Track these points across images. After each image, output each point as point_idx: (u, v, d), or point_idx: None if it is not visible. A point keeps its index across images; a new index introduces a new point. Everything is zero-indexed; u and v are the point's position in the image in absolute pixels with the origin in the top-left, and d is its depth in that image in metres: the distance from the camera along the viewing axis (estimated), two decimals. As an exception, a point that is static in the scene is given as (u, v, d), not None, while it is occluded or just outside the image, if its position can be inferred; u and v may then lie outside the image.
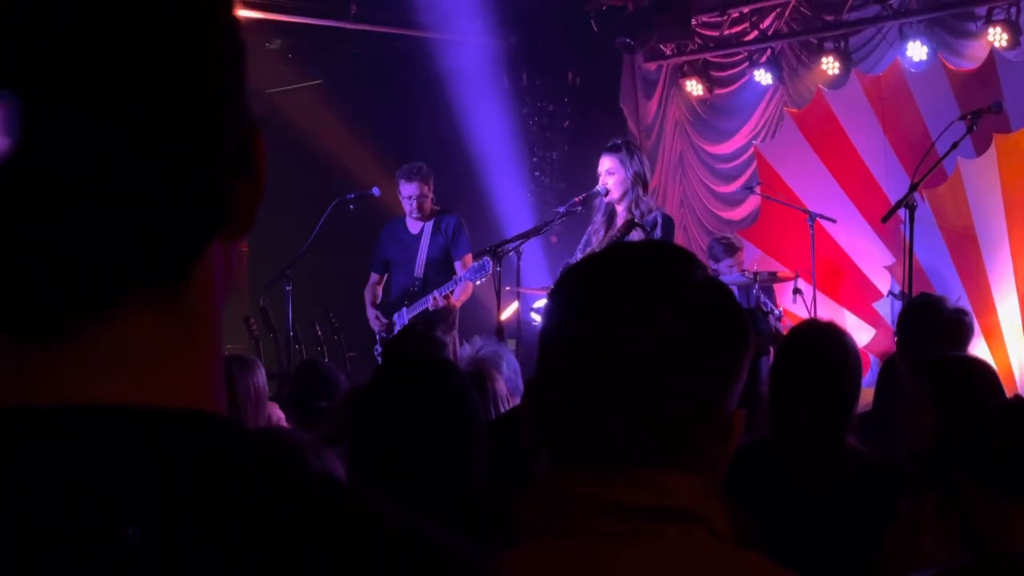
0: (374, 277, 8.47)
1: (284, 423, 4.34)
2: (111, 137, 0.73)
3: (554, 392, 1.43)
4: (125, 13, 0.74)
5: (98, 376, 0.75)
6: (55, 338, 0.74)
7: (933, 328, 4.70)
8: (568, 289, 1.47)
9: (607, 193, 6.99)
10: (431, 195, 8.26)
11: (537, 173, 12.12)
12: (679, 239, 10.28)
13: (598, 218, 7.16)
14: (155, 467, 0.72)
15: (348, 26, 11.18)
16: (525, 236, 7.35)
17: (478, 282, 7.93)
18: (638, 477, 1.37)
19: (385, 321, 8.20)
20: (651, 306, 1.38)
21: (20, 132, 0.71)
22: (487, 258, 7.57)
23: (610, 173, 6.96)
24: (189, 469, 0.73)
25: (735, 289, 8.70)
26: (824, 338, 3.55)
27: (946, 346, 4.41)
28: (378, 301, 8.38)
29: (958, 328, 4.79)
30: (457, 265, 8.14)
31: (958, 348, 4.56)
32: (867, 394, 4.87)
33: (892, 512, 3.27)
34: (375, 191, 8.50)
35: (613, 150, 7.03)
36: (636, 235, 6.81)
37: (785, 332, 8.25)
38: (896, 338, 5.07)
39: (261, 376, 4.14)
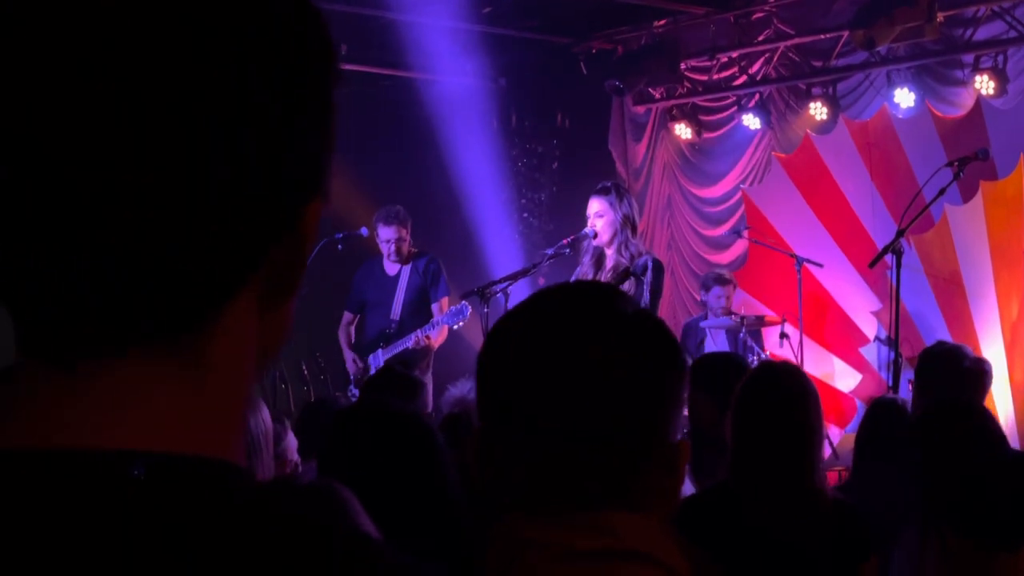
0: (347, 316, 8.47)
1: (295, 454, 4.31)
2: (139, 192, 0.72)
3: (496, 438, 1.42)
4: (171, 65, 0.73)
5: (101, 416, 0.74)
6: (65, 370, 0.74)
7: (952, 375, 4.70)
8: (501, 334, 1.46)
9: (595, 236, 7.00)
10: (409, 238, 8.28)
11: (525, 214, 12.14)
12: (666, 282, 10.30)
13: (586, 260, 7.15)
14: (145, 513, 0.71)
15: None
16: (513, 278, 7.34)
17: (455, 326, 7.93)
18: (588, 520, 1.36)
19: (361, 365, 8.19)
20: (586, 344, 1.38)
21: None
22: (465, 303, 7.59)
23: (599, 216, 6.97)
24: (183, 514, 0.72)
25: (722, 332, 8.81)
26: (781, 376, 3.55)
27: (964, 394, 4.41)
28: (352, 342, 8.38)
29: (978, 376, 4.81)
30: (434, 307, 8.15)
31: (977, 397, 4.57)
32: (848, 440, 4.86)
33: (864, 552, 3.26)
34: (363, 231, 8.51)
35: (602, 192, 7.04)
36: (629, 283, 6.81)
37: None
38: (913, 384, 5.07)
39: (266, 415, 4.12)
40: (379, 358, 8.07)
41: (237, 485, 0.76)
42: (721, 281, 9.19)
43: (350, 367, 8.26)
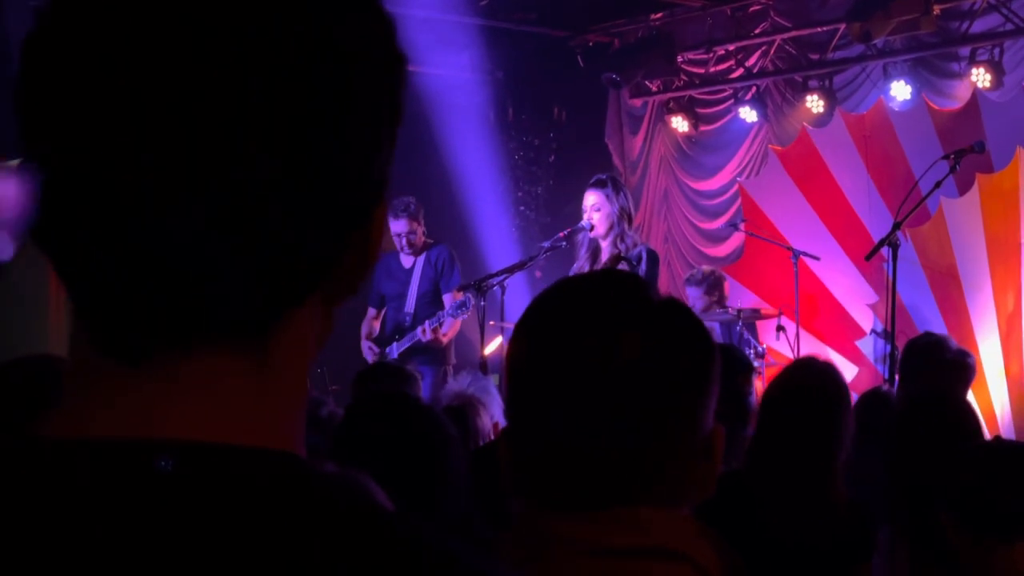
0: (371, 312, 8.47)
1: None
2: (223, 196, 0.73)
3: (527, 433, 1.41)
4: (269, 72, 0.74)
5: (166, 408, 0.76)
6: (135, 363, 0.76)
7: (935, 367, 4.72)
8: (529, 328, 1.45)
9: (592, 228, 7.00)
10: (422, 229, 8.26)
11: (522, 207, 12.13)
12: (663, 274, 10.31)
13: (582, 253, 7.16)
14: (215, 504, 0.72)
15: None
16: (509, 271, 7.35)
17: (462, 318, 7.93)
18: (618, 515, 1.35)
19: (378, 350, 8.20)
20: (617, 335, 1.37)
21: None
22: (468, 294, 7.58)
23: (596, 209, 6.97)
24: (255, 505, 0.73)
25: (717, 326, 8.81)
26: (817, 377, 3.52)
27: (947, 386, 4.42)
28: (374, 335, 8.38)
29: (961, 369, 4.82)
30: (447, 298, 8.14)
31: (959, 389, 4.58)
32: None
33: (867, 552, 3.26)
34: (360, 224, 8.50)
35: (599, 185, 7.04)
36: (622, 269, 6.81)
37: (767, 369, 8.31)
38: (898, 376, 5.08)
39: None
40: (394, 351, 8.08)
41: (305, 475, 0.77)
42: (693, 281, 9.08)
43: (367, 355, 8.26)
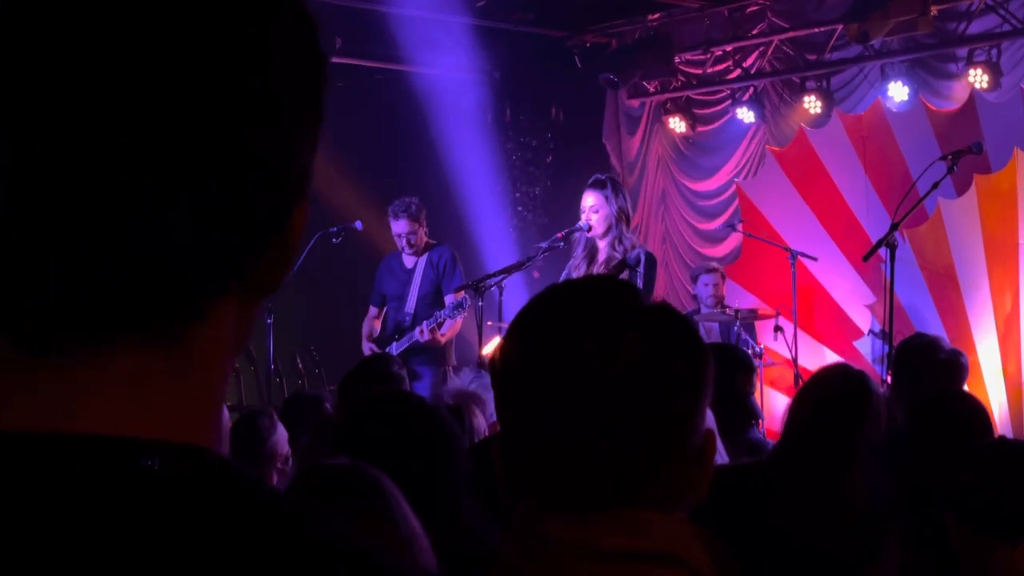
0: (372, 311, 8.47)
1: (286, 446, 4.32)
2: (138, 190, 0.74)
3: (522, 434, 1.41)
4: (174, 68, 0.75)
5: (78, 402, 0.76)
6: (53, 356, 0.76)
7: (929, 368, 4.73)
8: (524, 330, 1.45)
9: (590, 229, 7.00)
10: (423, 230, 8.25)
11: (520, 208, 12.13)
12: (661, 276, 10.30)
13: (578, 253, 7.16)
14: (120, 497, 0.73)
15: (333, 60, 11.18)
16: (507, 271, 7.36)
17: (460, 318, 7.93)
18: (616, 517, 1.35)
19: (378, 351, 8.19)
20: (616, 338, 1.37)
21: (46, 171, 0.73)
22: (465, 295, 7.59)
23: (594, 210, 6.97)
24: (160, 499, 0.73)
25: (715, 326, 8.82)
26: (848, 385, 3.47)
27: (941, 386, 4.43)
28: (375, 335, 8.37)
29: (954, 369, 4.83)
30: (448, 299, 8.14)
31: (953, 388, 4.59)
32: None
33: (876, 553, 3.26)
34: (358, 224, 8.50)
35: (597, 186, 7.04)
36: (624, 275, 6.82)
37: (764, 369, 8.31)
38: (891, 376, 5.09)
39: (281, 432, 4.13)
40: (393, 351, 8.07)
41: (215, 470, 0.77)
42: (709, 269, 9.25)
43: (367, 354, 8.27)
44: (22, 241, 0.74)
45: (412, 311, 8.17)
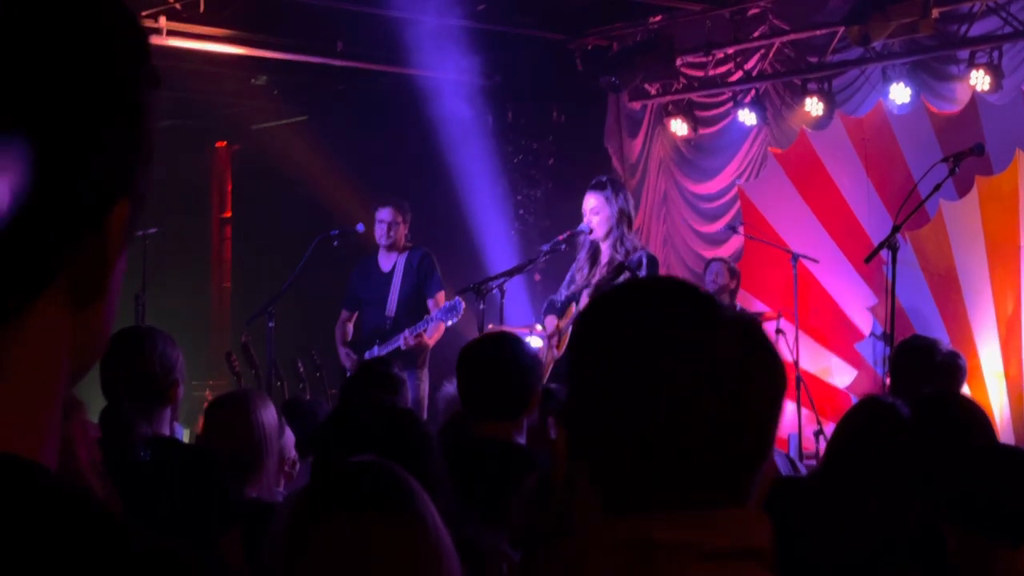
0: (344, 314, 8.46)
1: (292, 450, 4.31)
2: None
3: (622, 435, 1.39)
4: None
5: None
6: None
7: (926, 370, 4.73)
8: (621, 325, 1.43)
9: (591, 231, 7.01)
10: (405, 229, 8.26)
11: (521, 211, 12.13)
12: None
13: (582, 256, 7.17)
14: None
15: (334, 63, 11.21)
16: (509, 274, 7.36)
17: (449, 322, 7.92)
18: (717, 519, 1.35)
19: (355, 357, 8.18)
20: (728, 348, 1.37)
21: None
22: (459, 298, 7.59)
23: (595, 212, 6.97)
24: None
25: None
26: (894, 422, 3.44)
27: (939, 388, 4.42)
28: (349, 339, 8.37)
29: (952, 371, 4.83)
30: (430, 303, 8.13)
31: (950, 390, 4.58)
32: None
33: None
34: (359, 228, 8.51)
35: (598, 188, 7.04)
36: (624, 278, 6.82)
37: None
38: (888, 379, 5.09)
39: (272, 412, 4.11)
40: (374, 355, 8.06)
41: (26, 480, 0.75)
42: (719, 260, 9.32)
43: (345, 362, 8.26)
44: None
45: (392, 315, 8.16)
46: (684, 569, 1.32)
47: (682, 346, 1.37)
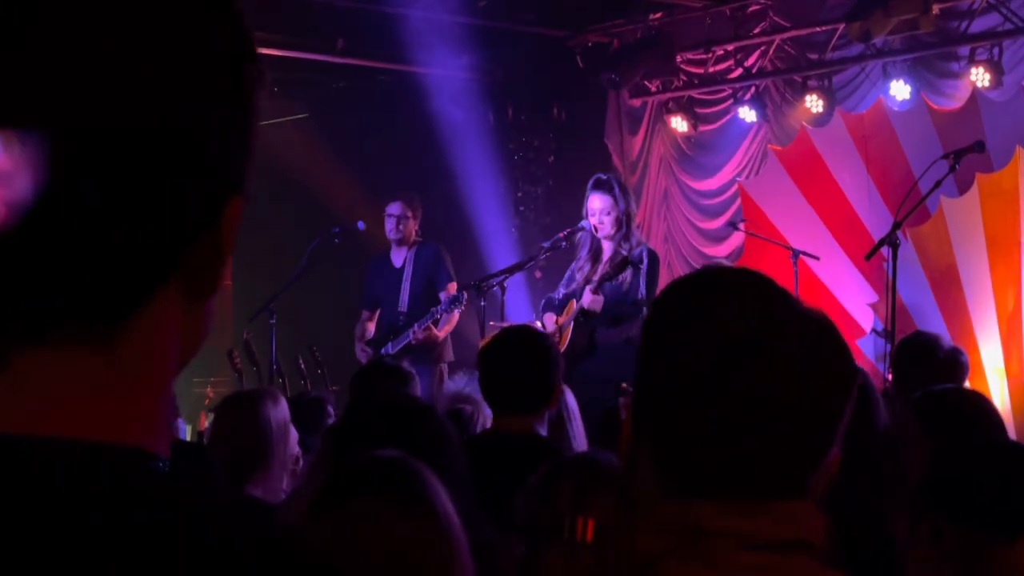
0: (364, 314, 8.47)
1: (296, 447, 4.31)
2: (64, 183, 0.74)
3: (684, 420, 1.40)
4: (103, 56, 0.75)
5: (16, 403, 0.76)
6: None
7: (929, 367, 4.73)
8: (691, 316, 1.44)
9: (596, 230, 7.02)
10: (415, 224, 8.26)
11: (522, 208, 12.13)
12: (663, 275, 10.31)
13: (583, 254, 7.18)
14: (46, 494, 0.72)
15: (335, 60, 11.21)
16: (510, 271, 7.37)
17: (456, 312, 7.93)
18: (771, 509, 1.36)
19: (370, 351, 8.19)
20: (795, 339, 1.38)
21: None
22: (463, 291, 7.60)
23: (605, 212, 6.99)
24: (78, 498, 0.73)
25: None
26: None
27: (941, 384, 4.43)
28: (368, 337, 8.36)
29: (954, 367, 4.83)
30: (442, 296, 8.14)
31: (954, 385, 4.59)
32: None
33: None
34: (360, 225, 8.51)
35: (606, 189, 7.05)
36: (627, 273, 6.84)
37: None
38: (891, 375, 5.09)
39: (284, 407, 4.10)
40: (389, 351, 8.07)
41: (137, 472, 0.77)
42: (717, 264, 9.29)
43: (361, 357, 8.26)
44: None
45: (405, 310, 8.17)
46: (731, 556, 1.33)
47: (746, 339, 1.38)
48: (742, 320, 1.39)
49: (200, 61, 0.78)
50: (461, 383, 4.76)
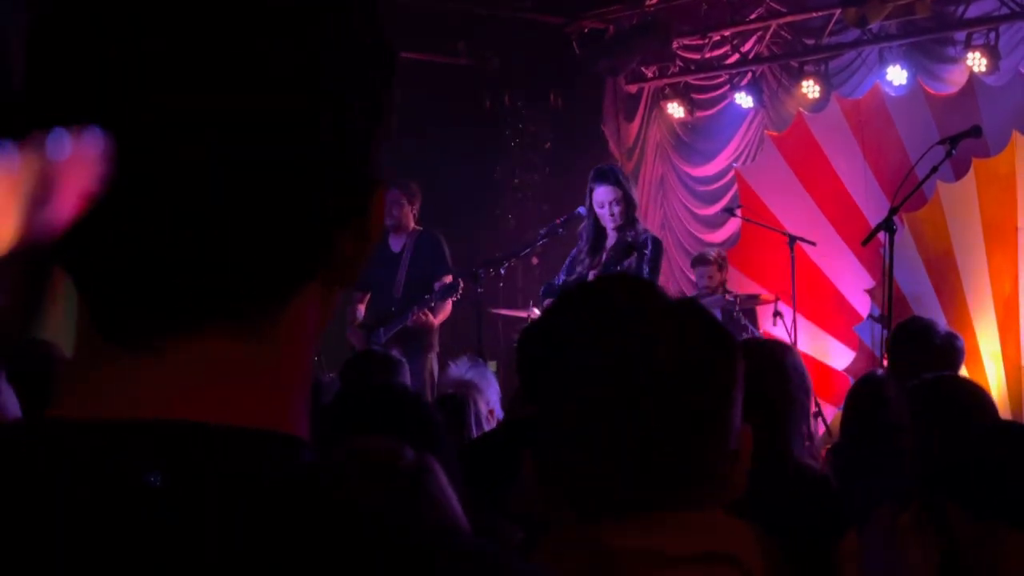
0: (356, 296, 8.46)
1: None
2: (219, 179, 0.75)
3: (569, 445, 1.39)
4: (245, 50, 0.76)
5: (175, 391, 0.77)
6: (142, 349, 0.77)
7: (925, 352, 4.73)
8: (552, 336, 1.44)
9: (606, 221, 7.02)
10: (411, 210, 8.25)
11: (518, 195, 12.13)
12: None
13: (584, 240, 7.18)
14: (208, 486, 0.74)
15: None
16: (507, 258, 7.36)
17: (449, 301, 7.93)
18: (678, 522, 1.35)
19: (362, 334, 8.18)
20: (650, 336, 1.37)
21: (129, 162, 0.74)
22: (456, 278, 7.60)
23: (616, 204, 6.99)
24: (238, 485, 0.74)
25: (716, 311, 8.82)
26: (751, 352, 3.53)
27: (937, 370, 4.43)
28: (360, 321, 8.36)
29: (950, 353, 4.83)
30: (436, 286, 8.14)
31: (949, 372, 4.59)
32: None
33: (839, 529, 3.26)
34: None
35: (612, 181, 7.04)
36: (631, 259, 6.85)
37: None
38: (887, 361, 5.10)
39: None
40: (381, 336, 8.06)
41: (294, 459, 0.79)
42: (702, 262, 9.21)
43: (352, 339, 8.26)
44: (112, 235, 0.76)
45: (400, 295, 8.16)
46: (641, 574, 1.31)
47: (611, 350, 1.36)
48: (607, 336, 1.38)
49: (345, 50, 0.80)
50: (463, 369, 4.77)
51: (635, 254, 6.86)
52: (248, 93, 0.75)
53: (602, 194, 7.02)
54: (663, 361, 1.35)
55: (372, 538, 0.75)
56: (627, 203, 6.97)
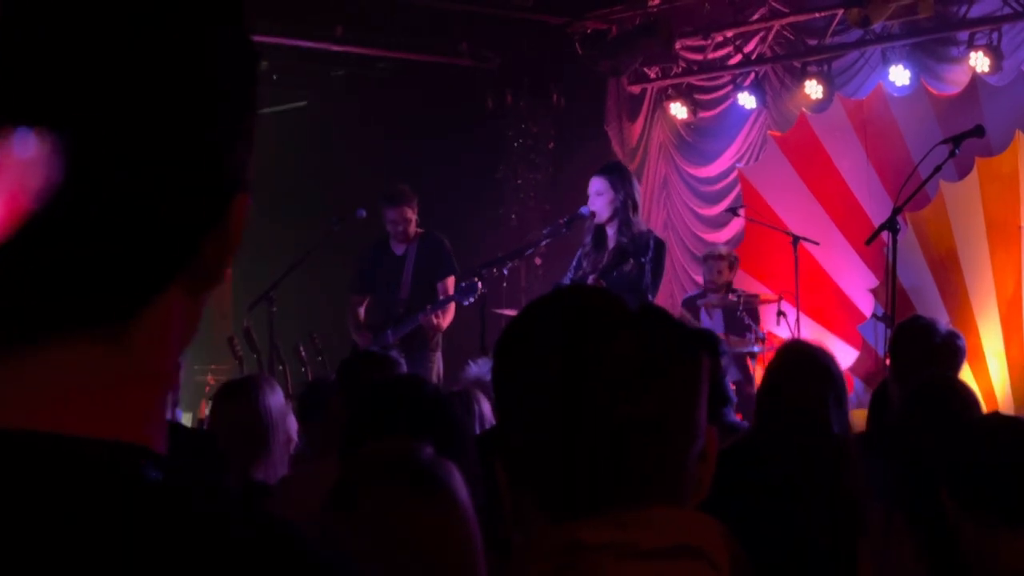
0: (355, 299, 8.45)
1: (295, 434, 4.33)
2: (78, 181, 0.74)
3: (531, 452, 1.42)
4: (109, 56, 0.75)
5: (18, 397, 0.76)
6: None
7: (925, 351, 4.73)
8: (514, 349, 1.46)
9: (593, 215, 7.02)
10: (415, 217, 8.26)
11: (521, 195, 12.13)
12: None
13: (588, 240, 7.18)
14: (42, 495, 0.72)
15: (333, 48, 11.20)
16: (510, 257, 7.36)
17: (467, 302, 7.93)
18: (649, 518, 1.36)
19: (370, 336, 8.17)
20: (608, 341, 1.38)
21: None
22: (476, 280, 7.58)
23: (598, 194, 6.99)
24: (69, 494, 0.73)
25: (719, 310, 8.83)
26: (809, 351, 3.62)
27: (939, 369, 4.43)
28: (361, 323, 8.36)
29: (951, 352, 4.83)
30: (439, 287, 8.14)
31: (950, 371, 4.59)
32: (857, 416, 4.87)
33: (863, 525, 3.27)
34: (360, 212, 8.50)
35: (604, 172, 7.06)
36: (630, 263, 6.84)
37: (766, 353, 8.33)
38: (888, 360, 5.10)
39: (280, 395, 4.13)
40: (388, 338, 8.06)
41: (139, 469, 0.77)
42: (714, 257, 9.21)
43: (359, 341, 8.24)
44: None
45: (406, 297, 8.17)
46: (609, 569, 1.33)
47: (575, 352, 1.38)
48: (570, 338, 1.40)
49: (204, 59, 0.79)
50: (484, 368, 4.78)
51: (631, 260, 6.85)
52: (101, 93, 0.74)
53: (591, 184, 7.03)
54: (616, 369, 1.37)
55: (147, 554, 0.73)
56: (615, 199, 6.95)
